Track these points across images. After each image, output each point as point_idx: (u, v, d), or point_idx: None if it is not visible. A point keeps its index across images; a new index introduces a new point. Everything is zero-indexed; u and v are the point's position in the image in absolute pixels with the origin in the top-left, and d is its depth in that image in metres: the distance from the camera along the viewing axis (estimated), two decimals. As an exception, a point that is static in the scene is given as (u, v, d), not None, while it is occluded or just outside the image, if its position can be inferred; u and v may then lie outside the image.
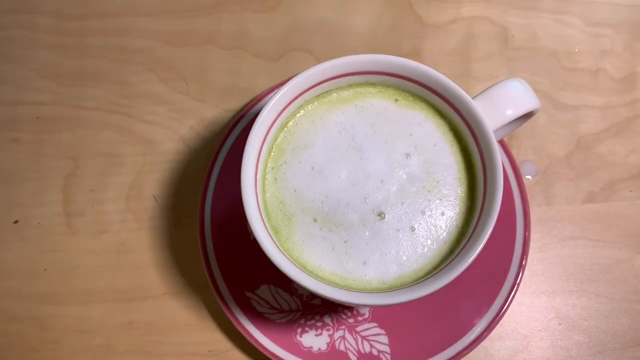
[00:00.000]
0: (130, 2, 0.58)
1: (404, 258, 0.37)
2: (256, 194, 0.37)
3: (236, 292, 0.46)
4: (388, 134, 0.39)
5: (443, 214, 0.38)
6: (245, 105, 0.52)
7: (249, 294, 0.46)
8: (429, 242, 0.37)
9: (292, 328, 0.45)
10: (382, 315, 0.46)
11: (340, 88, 0.41)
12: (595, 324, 0.48)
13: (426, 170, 0.39)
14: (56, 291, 0.50)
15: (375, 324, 0.46)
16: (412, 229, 0.37)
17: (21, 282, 0.50)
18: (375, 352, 0.45)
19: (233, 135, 0.49)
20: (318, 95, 0.41)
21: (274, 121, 0.39)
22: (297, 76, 0.38)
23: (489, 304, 0.44)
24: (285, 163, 0.39)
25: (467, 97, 0.37)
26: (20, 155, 0.53)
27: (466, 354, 0.44)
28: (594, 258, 0.50)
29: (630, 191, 0.51)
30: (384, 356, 0.44)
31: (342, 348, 0.45)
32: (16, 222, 0.51)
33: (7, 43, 0.57)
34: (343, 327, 0.46)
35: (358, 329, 0.45)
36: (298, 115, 0.40)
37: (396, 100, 0.41)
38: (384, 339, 0.45)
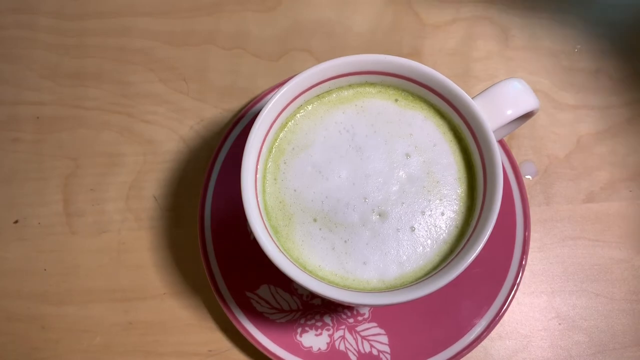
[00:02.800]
0: (130, 2, 0.58)
1: (404, 258, 0.37)
2: (256, 194, 0.37)
3: (236, 292, 0.46)
4: (388, 134, 0.39)
5: (443, 214, 0.38)
6: (245, 105, 0.52)
7: (249, 294, 0.46)
8: (429, 242, 0.37)
9: (292, 328, 0.45)
10: (382, 315, 0.46)
11: (340, 88, 0.41)
12: (595, 324, 0.48)
13: (426, 170, 0.39)
14: (56, 291, 0.50)
15: (375, 324, 0.46)
16: (412, 228, 0.37)
17: (21, 282, 0.50)
18: (375, 352, 0.45)
19: (233, 135, 0.49)
20: (318, 95, 0.41)
21: (274, 121, 0.39)
22: (297, 76, 0.38)
23: (489, 304, 0.44)
24: (285, 163, 0.39)
25: (467, 97, 0.37)
26: (20, 155, 0.53)
27: (466, 354, 0.44)
28: (594, 258, 0.49)
29: (630, 191, 0.51)
30: (384, 356, 0.44)
31: (342, 348, 0.45)
32: (16, 222, 0.52)
33: (7, 43, 0.57)
34: (343, 327, 0.46)
35: (358, 328, 0.45)
36: (298, 115, 0.40)
37: (396, 100, 0.40)
38: (384, 339, 0.45)
